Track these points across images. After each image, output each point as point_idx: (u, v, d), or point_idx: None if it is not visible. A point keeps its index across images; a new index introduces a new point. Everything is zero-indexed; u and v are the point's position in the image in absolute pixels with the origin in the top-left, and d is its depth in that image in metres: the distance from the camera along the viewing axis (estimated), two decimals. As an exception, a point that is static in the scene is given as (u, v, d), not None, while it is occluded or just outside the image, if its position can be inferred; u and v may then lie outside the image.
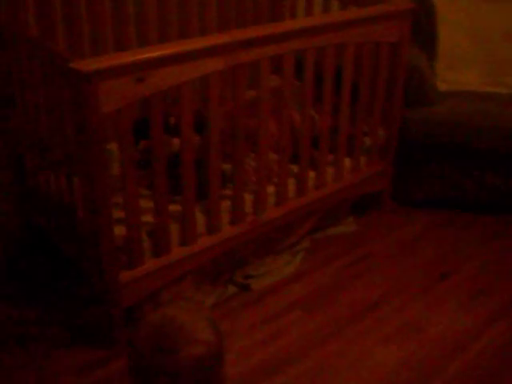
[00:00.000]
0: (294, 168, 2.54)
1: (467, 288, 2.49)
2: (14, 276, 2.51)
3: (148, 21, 2.67)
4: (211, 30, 2.90)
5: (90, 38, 2.54)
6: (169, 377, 1.30)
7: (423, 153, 2.94)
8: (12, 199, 2.62)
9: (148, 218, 2.16)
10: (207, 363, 1.32)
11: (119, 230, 2.06)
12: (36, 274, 2.51)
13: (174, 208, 2.20)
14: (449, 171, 2.94)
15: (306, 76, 2.36)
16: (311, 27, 2.26)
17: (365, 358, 2.14)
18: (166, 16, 2.73)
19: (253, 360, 2.13)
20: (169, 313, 1.36)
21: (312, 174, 2.60)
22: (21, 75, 2.29)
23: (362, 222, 2.95)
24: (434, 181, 2.98)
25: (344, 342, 2.21)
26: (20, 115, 2.41)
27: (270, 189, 2.46)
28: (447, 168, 2.94)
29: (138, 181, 2.34)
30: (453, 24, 3.15)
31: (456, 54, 3.17)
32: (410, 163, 2.99)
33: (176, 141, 2.34)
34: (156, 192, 2.06)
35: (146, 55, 1.83)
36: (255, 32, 2.14)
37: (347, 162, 2.74)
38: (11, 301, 2.37)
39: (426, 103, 2.92)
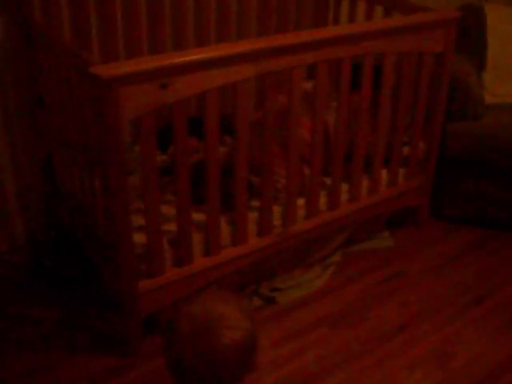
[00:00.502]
0: (327, 180, 2.45)
1: (503, 314, 2.37)
2: (39, 276, 2.50)
3: (184, 24, 2.63)
4: (250, 34, 2.84)
5: (124, 40, 2.52)
6: (211, 362, 1.42)
7: (464, 168, 2.82)
8: (41, 199, 2.62)
9: (171, 226, 2.11)
10: (246, 347, 1.47)
11: (140, 238, 2.02)
12: (60, 275, 2.49)
13: (198, 217, 2.15)
14: (489, 188, 2.81)
15: (342, 85, 2.27)
16: (348, 35, 2.17)
17: (388, 382, 2.05)
18: (202, 19, 2.69)
19: (274, 377, 2.06)
20: (207, 304, 1.47)
21: (345, 187, 2.51)
22: (49, 75, 2.27)
23: (397, 236, 2.84)
24: (473, 198, 2.85)
25: (369, 363, 2.13)
26: (48, 115, 2.40)
27: (301, 201, 2.39)
28: (488, 185, 2.81)
29: (166, 186, 2.31)
30: (502, 35, 3.02)
31: (504, 65, 3.03)
32: (449, 178, 2.87)
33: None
34: (178, 200, 2.01)
35: (170, 61, 1.77)
36: (287, 39, 2.06)
37: (383, 174, 2.64)
38: (33, 301, 2.36)
39: (470, 117, 2.79)
